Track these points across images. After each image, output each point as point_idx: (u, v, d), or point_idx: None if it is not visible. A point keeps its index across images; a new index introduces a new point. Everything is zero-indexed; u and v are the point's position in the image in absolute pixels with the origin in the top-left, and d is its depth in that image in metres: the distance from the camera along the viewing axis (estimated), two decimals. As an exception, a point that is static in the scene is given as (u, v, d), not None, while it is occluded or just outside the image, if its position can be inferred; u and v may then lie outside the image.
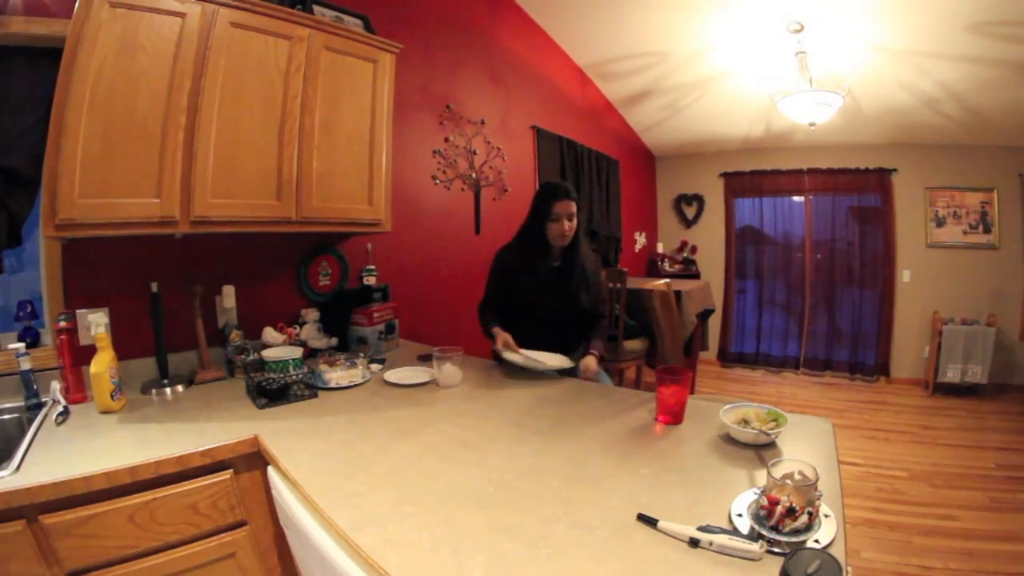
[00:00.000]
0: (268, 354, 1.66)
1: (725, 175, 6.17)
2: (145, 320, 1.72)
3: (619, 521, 0.93)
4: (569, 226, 1.96)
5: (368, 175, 2.04)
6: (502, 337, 1.93)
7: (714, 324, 6.14)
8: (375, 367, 1.91)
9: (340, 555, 0.89)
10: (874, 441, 3.99)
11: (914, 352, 5.50)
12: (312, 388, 1.67)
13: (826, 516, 0.91)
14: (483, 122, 3.23)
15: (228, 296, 1.90)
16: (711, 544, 0.85)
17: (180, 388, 1.70)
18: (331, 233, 2.27)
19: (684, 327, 4.15)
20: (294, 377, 1.62)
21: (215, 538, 1.28)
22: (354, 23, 2.09)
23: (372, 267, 2.40)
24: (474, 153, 3.16)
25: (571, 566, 0.81)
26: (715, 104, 4.87)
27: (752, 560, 0.82)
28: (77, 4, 1.35)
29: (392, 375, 1.83)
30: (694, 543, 0.85)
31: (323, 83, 1.86)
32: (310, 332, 2.09)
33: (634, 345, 3.76)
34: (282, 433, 1.35)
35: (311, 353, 1.99)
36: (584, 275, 2.06)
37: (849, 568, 0.78)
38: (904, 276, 5.55)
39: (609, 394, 1.73)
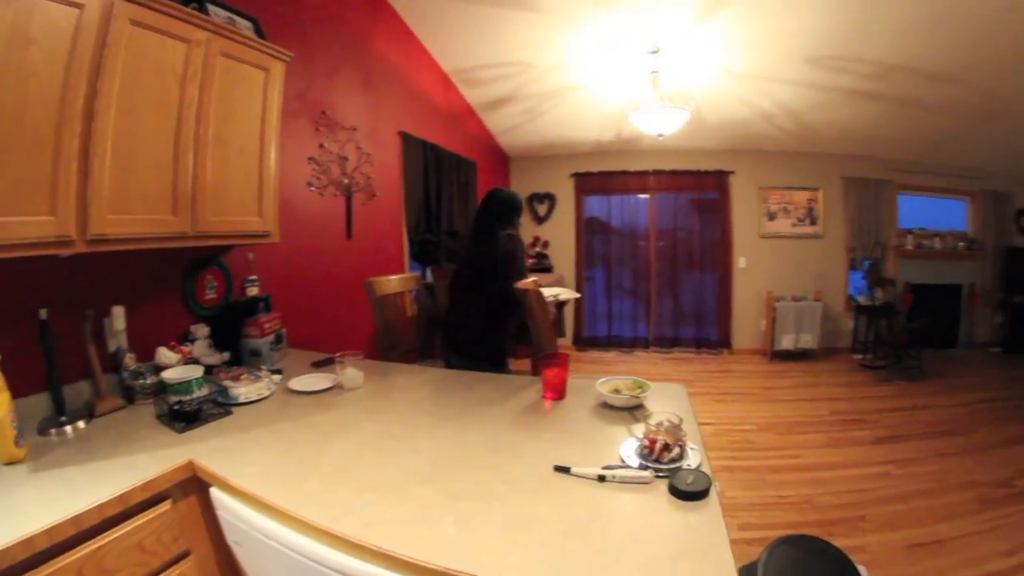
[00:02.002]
0: (169, 376, 1.66)
1: (576, 175, 6.80)
2: (32, 352, 1.56)
3: (540, 474, 1.25)
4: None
5: (258, 186, 2.06)
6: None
7: (567, 311, 6.69)
8: (276, 378, 1.97)
9: (320, 548, 1.02)
10: (723, 403, 4.79)
11: (752, 326, 6.64)
12: (223, 405, 1.71)
13: (692, 449, 1.32)
14: (355, 128, 3.33)
15: (118, 318, 1.81)
16: (615, 477, 1.20)
17: (81, 424, 1.58)
18: (216, 245, 2.23)
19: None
20: (202, 397, 1.64)
21: (164, 574, 1.27)
22: (245, 25, 2.10)
23: (254, 277, 2.43)
24: (346, 159, 3.25)
25: (519, 509, 1.10)
26: (571, 111, 5.36)
27: (646, 483, 1.19)
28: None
29: (296, 384, 1.92)
30: (602, 479, 1.20)
31: (218, 91, 1.83)
32: (202, 348, 2.08)
33: None
34: (216, 453, 1.39)
35: (206, 370, 1.93)
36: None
37: (717, 486, 1.17)
38: (741, 262, 6.68)
39: (496, 381, 2.07)
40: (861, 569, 1.37)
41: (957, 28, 3.74)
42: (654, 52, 4.14)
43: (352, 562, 0.98)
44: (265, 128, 2.09)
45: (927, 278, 6.84)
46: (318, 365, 2.22)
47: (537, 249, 6.80)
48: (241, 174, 2.00)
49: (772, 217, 6.76)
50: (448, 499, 1.14)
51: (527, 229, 6.92)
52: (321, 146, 3.06)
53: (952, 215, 7.30)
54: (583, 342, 6.95)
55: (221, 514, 1.26)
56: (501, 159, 6.74)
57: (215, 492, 1.27)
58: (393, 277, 3.04)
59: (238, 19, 2.08)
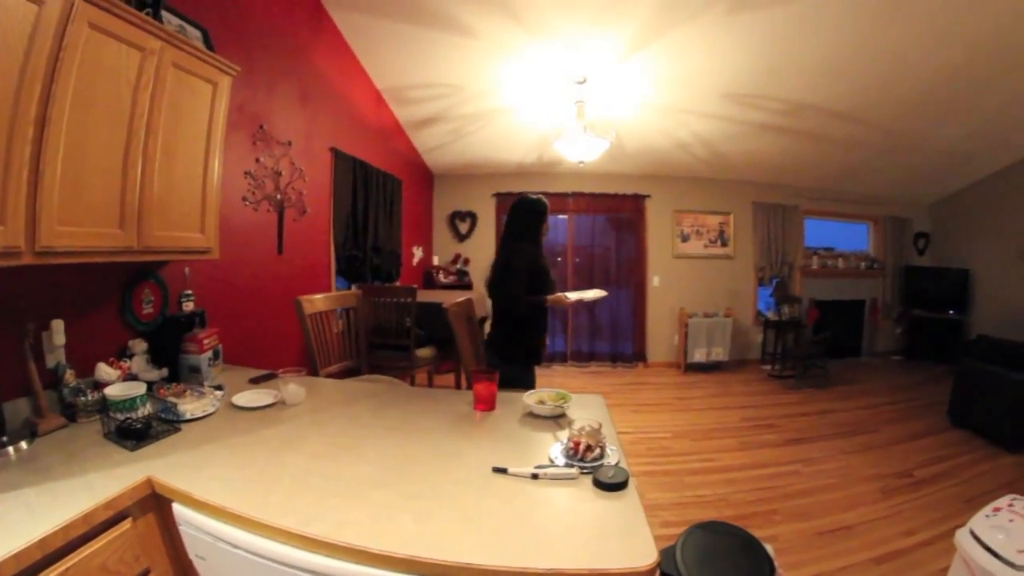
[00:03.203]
0: (112, 393, 1.69)
1: (498, 195, 7.05)
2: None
3: (482, 475, 1.43)
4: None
5: (202, 202, 2.10)
6: (557, 295, 2.75)
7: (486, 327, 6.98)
8: (219, 394, 2.01)
9: (293, 551, 1.13)
10: (639, 414, 5.10)
11: (666, 340, 7.12)
12: (170, 422, 1.74)
13: (611, 449, 1.56)
14: (290, 143, 3.39)
15: (58, 332, 1.79)
16: (547, 475, 1.41)
17: (24, 444, 1.54)
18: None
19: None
20: (149, 414, 1.69)
21: (128, 595, 1.28)
22: (195, 35, 2.16)
23: (190, 292, 2.46)
24: (279, 174, 3.30)
25: (467, 504, 1.28)
26: (496, 133, 5.59)
27: (573, 479, 1.42)
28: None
29: (240, 400, 2.00)
30: (535, 476, 1.41)
31: (168, 102, 1.84)
32: (140, 365, 2.09)
33: (425, 353, 4.27)
34: (175, 469, 1.43)
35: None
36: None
37: (634, 480, 1.40)
38: (655, 281, 7.15)
39: (429, 395, 2.32)
40: (767, 547, 1.64)
41: (862, 72, 4.30)
42: (581, 82, 4.43)
43: (326, 561, 1.10)
44: (210, 142, 2.13)
45: (831, 294, 7.70)
46: (256, 381, 2.30)
47: (458, 266, 7.00)
48: (186, 189, 2.03)
49: (685, 239, 7.32)
50: (404, 500, 1.29)
51: (446, 247, 7.14)
52: (257, 160, 3.12)
53: (855, 237, 8.24)
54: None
55: (184, 529, 1.30)
56: (426, 176, 6.90)
57: (178, 508, 1.32)
58: (319, 296, 3.12)
59: (188, 28, 2.14)
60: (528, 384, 2.75)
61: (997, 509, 1.83)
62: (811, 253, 7.88)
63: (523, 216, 2.90)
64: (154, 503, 1.41)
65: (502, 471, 1.44)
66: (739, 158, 6.45)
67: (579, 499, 1.33)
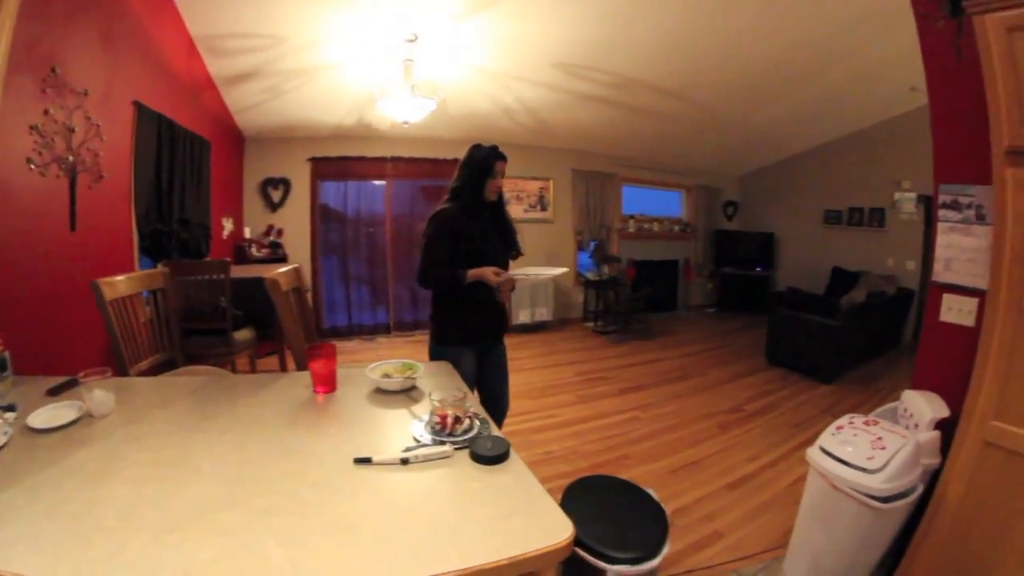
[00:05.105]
0: None
1: (313, 159, 6.69)
2: None
3: (342, 470, 1.27)
4: (501, 183, 2.43)
5: None
6: (487, 269, 2.25)
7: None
8: (10, 416, 1.58)
9: None
10: None
11: None
12: None
13: (481, 418, 1.51)
14: (87, 93, 2.89)
15: None
16: (418, 457, 1.29)
17: None
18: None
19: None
20: None
21: None
22: None
23: None
24: (72, 131, 2.80)
25: (336, 511, 1.11)
26: (317, 92, 5.27)
27: (448, 457, 1.32)
28: None
29: (36, 420, 1.56)
30: (405, 462, 1.28)
31: None
32: None
33: (244, 335, 4.01)
34: None
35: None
36: (513, 226, 2.59)
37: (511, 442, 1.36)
38: (475, 245, 7.34)
39: (258, 383, 2.01)
40: (649, 491, 1.76)
41: (694, 55, 4.77)
42: (411, 40, 4.27)
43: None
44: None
45: (648, 255, 8.54)
46: (55, 392, 1.85)
47: (271, 239, 6.50)
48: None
49: (506, 203, 7.54)
50: (259, 519, 1.08)
51: (258, 218, 6.61)
52: (46, 113, 2.62)
53: (670, 203, 9.26)
54: (323, 333, 6.89)
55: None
56: (237, 139, 6.29)
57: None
58: (121, 278, 2.65)
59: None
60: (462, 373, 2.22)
61: (840, 428, 2.11)
62: (628, 218, 8.58)
63: (460, 170, 2.44)
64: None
65: (365, 461, 1.29)
66: (562, 127, 6.72)
67: (462, 479, 1.24)
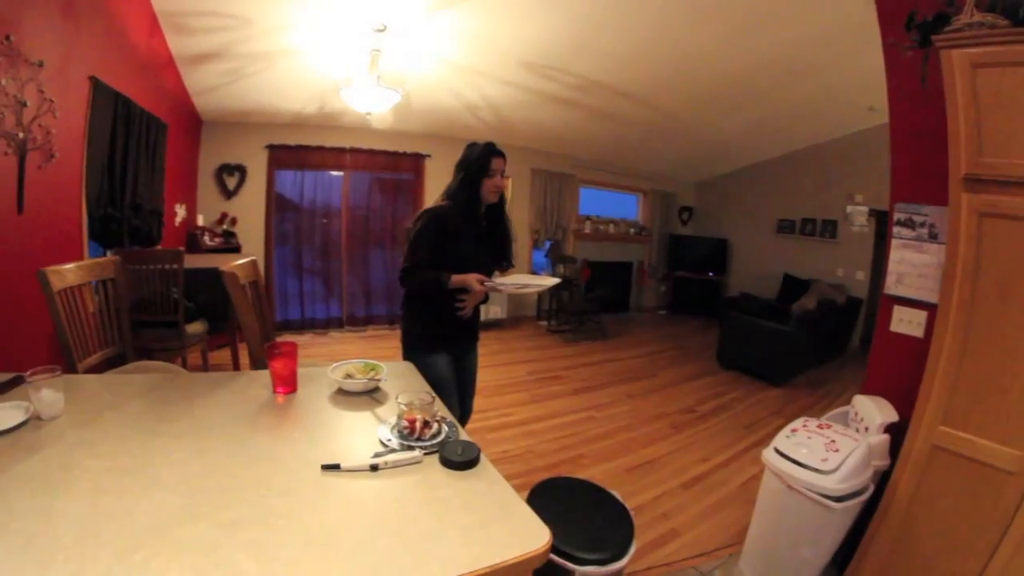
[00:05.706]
0: None
1: (271, 147, 6.52)
2: None
3: (309, 478, 1.22)
4: (501, 182, 2.24)
5: None
6: (471, 277, 2.13)
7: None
8: None
9: None
10: None
11: None
12: None
13: (449, 422, 1.49)
14: (42, 64, 2.74)
15: None
16: (387, 464, 1.26)
17: None
18: None
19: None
20: None
21: None
22: None
23: None
24: (24, 105, 2.65)
25: (309, 521, 1.06)
26: (279, 78, 5.14)
27: (418, 463, 1.30)
28: None
29: None
30: (375, 468, 1.25)
31: None
32: None
33: (196, 328, 3.92)
34: None
35: None
36: (511, 230, 2.44)
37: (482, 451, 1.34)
38: (431, 242, 7.33)
39: (215, 382, 1.90)
40: (613, 492, 1.79)
41: (663, 63, 4.87)
42: (380, 30, 4.20)
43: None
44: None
45: (603, 256, 8.66)
46: None
47: (224, 227, 6.31)
48: None
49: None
50: (228, 532, 1.01)
51: (212, 205, 6.40)
52: None
53: (626, 206, 9.41)
54: (276, 326, 6.70)
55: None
56: (194, 122, 6.06)
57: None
58: (70, 266, 2.46)
59: None
60: (430, 378, 2.04)
61: (795, 430, 2.19)
62: (584, 218, 8.69)
63: (455, 170, 2.33)
64: None
65: (334, 468, 1.24)
66: (524, 126, 6.74)
67: (434, 486, 1.22)
